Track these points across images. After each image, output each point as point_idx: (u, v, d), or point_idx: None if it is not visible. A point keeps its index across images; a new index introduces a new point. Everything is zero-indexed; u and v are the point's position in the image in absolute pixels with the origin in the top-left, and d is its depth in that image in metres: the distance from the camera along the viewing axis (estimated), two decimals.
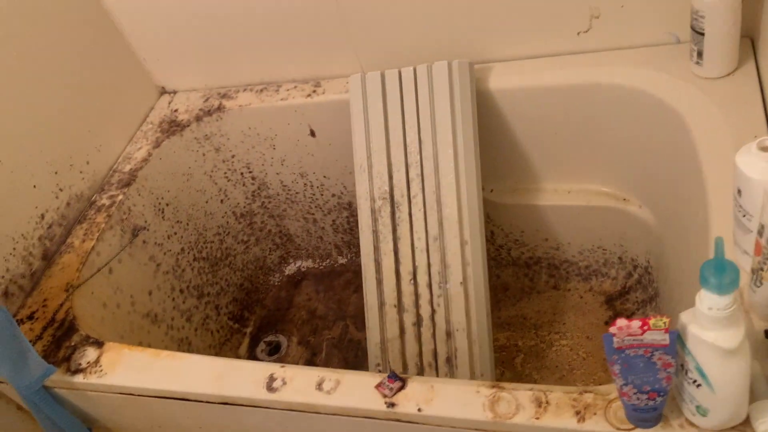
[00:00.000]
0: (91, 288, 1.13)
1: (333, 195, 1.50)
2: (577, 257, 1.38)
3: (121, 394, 0.95)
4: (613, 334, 0.65)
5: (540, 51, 1.18)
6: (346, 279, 1.63)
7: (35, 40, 1.16)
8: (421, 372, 1.19)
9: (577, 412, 0.76)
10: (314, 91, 1.32)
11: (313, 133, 1.36)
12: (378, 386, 0.84)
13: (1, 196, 1.08)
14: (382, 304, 1.22)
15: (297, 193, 1.52)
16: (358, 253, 1.62)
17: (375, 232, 1.22)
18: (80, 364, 0.97)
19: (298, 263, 1.69)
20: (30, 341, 1.01)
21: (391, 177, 1.21)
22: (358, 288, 1.59)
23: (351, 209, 1.52)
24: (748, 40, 1.06)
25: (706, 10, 0.97)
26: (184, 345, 1.36)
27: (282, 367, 0.89)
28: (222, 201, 1.50)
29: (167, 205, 1.35)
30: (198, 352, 1.39)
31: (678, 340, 0.66)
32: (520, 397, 0.78)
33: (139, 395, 0.94)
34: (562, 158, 1.26)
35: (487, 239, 1.40)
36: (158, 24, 1.34)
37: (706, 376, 0.65)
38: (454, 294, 1.16)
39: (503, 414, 0.77)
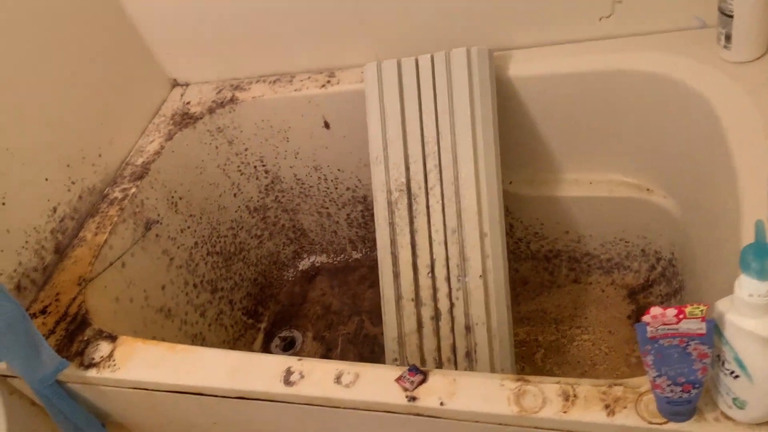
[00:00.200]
0: (104, 282, 1.11)
1: (347, 188, 1.48)
2: (598, 250, 1.35)
3: (134, 389, 0.93)
4: (647, 323, 0.62)
5: (561, 37, 1.15)
6: (361, 274, 1.61)
7: (46, 33, 1.15)
8: (439, 367, 1.16)
9: (607, 406, 0.73)
10: (328, 82, 1.29)
11: (327, 125, 1.34)
12: (398, 380, 0.81)
13: (13, 189, 1.06)
14: (399, 298, 1.20)
15: (311, 186, 1.50)
16: (372, 248, 1.60)
17: (391, 225, 1.20)
18: (93, 359, 0.95)
19: (312, 258, 1.66)
20: (43, 335, 0.99)
21: (407, 168, 1.18)
22: (373, 283, 1.56)
23: (366, 203, 1.50)
24: None
25: None
26: (198, 340, 1.34)
27: (299, 360, 0.87)
28: (235, 195, 1.48)
29: (180, 198, 1.34)
30: (212, 347, 1.36)
31: (715, 329, 0.63)
32: (546, 391, 0.76)
33: (153, 390, 0.92)
34: (583, 148, 1.22)
35: (506, 232, 1.36)
36: (170, 15, 1.32)
37: (745, 367, 0.62)
38: (474, 287, 1.13)
39: (529, 408, 0.75)
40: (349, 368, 0.84)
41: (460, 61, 1.13)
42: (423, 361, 1.18)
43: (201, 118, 1.36)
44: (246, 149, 1.43)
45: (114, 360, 0.94)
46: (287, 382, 0.85)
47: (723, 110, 0.97)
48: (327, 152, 1.40)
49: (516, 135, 1.23)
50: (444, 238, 1.15)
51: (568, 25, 1.13)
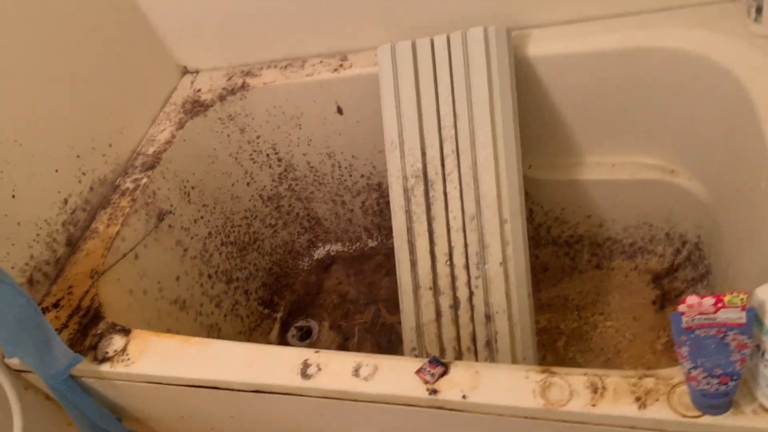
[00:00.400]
0: (116, 274, 1.10)
1: (362, 176, 1.45)
2: (621, 234, 1.31)
3: (149, 383, 0.91)
4: (682, 313, 0.59)
5: (581, 14, 1.11)
6: (377, 262, 1.58)
7: (54, 23, 1.13)
8: (459, 356, 1.14)
9: (638, 398, 0.70)
10: (341, 66, 1.26)
11: (340, 110, 1.31)
12: (419, 372, 0.79)
13: (23, 181, 1.05)
14: (416, 287, 1.17)
15: (325, 174, 1.47)
16: (388, 236, 1.57)
17: (408, 212, 1.17)
18: (107, 353, 0.93)
19: (327, 247, 1.64)
20: (56, 329, 0.98)
21: (424, 154, 1.15)
22: (390, 271, 1.54)
23: (381, 190, 1.47)
24: None
25: None
26: (214, 331, 1.32)
27: (316, 352, 0.84)
28: (248, 184, 1.45)
29: (193, 188, 1.31)
30: (228, 338, 1.35)
31: (755, 318, 0.60)
32: (573, 383, 0.73)
33: (167, 384, 0.90)
34: (605, 129, 1.18)
35: (526, 218, 1.33)
36: (179, 1, 1.29)
37: None
38: (494, 275, 1.10)
39: (556, 401, 0.72)
40: (367, 360, 0.82)
41: (477, 41, 1.09)
42: (442, 351, 1.15)
43: (212, 105, 1.33)
44: (258, 137, 1.40)
45: (128, 354, 0.92)
46: (304, 375, 0.83)
47: (754, 87, 0.93)
48: (340, 139, 1.37)
49: (535, 117, 1.19)
50: (462, 225, 1.12)
51: (589, 2, 1.09)
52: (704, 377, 0.63)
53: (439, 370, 0.78)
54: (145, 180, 1.21)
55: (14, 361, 0.95)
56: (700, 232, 1.20)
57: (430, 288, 1.16)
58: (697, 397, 0.66)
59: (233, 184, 1.42)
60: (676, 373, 0.71)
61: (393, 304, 1.47)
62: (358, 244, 1.62)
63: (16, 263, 1.02)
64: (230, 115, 1.35)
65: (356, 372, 0.81)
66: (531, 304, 1.11)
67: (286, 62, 1.33)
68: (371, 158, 1.39)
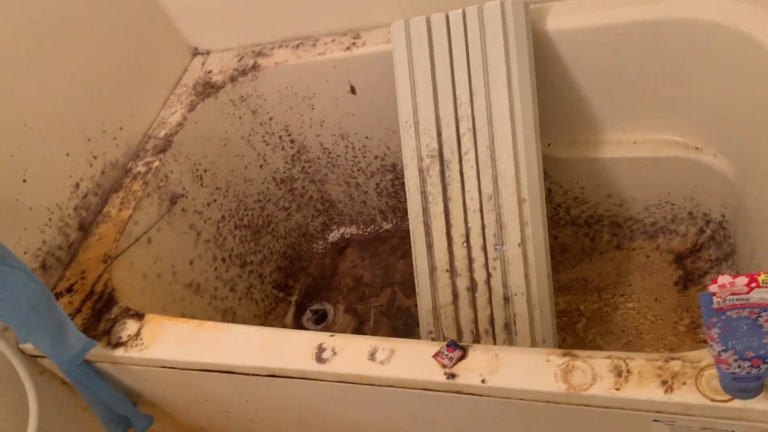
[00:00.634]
0: (130, 259, 1.09)
1: (376, 157, 1.42)
2: (642, 214, 1.28)
3: (163, 367, 0.90)
4: (713, 294, 0.56)
5: None
6: (392, 245, 1.56)
7: (62, 5, 1.11)
8: (477, 339, 1.12)
9: (664, 382, 0.68)
10: (353, 44, 1.23)
11: (353, 90, 1.28)
12: (436, 356, 0.77)
13: (34, 166, 1.04)
14: (433, 269, 1.15)
15: (338, 156, 1.45)
16: (403, 218, 1.55)
17: (423, 193, 1.14)
18: (121, 338, 0.92)
19: (342, 229, 1.62)
20: (69, 314, 0.98)
21: (439, 133, 1.12)
22: (405, 254, 1.52)
23: (395, 171, 1.44)
24: None
25: None
26: (229, 315, 1.31)
27: (331, 336, 0.83)
28: (261, 166, 1.43)
29: (205, 171, 1.30)
30: (243, 322, 1.35)
31: None
32: (596, 366, 0.70)
33: (182, 369, 0.89)
34: (626, 106, 1.15)
35: (545, 197, 1.31)
36: None
37: None
38: (512, 256, 1.07)
39: (578, 385, 0.70)
40: (383, 344, 0.80)
41: (494, 15, 1.05)
42: (459, 334, 1.13)
43: (223, 87, 1.31)
44: (270, 118, 1.38)
45: (141, 338, 0.91)
46: (319, 359, 0.81)
47: None
48: (354, 119, 1.34)
49: (554, 94, 1.15)
50: (479, 205, 1.10)
51: None
52: (735, 360, 0.60)
53: (457, 353, 0.76)
54: (157, 163, 1.20)
55: (28, 347, 0.95)
56: (724, 211, 1.17)
57: (447, 270, 1.13)
58: (727, 381, 0.64)
59: (246, 167, 1.40)
60: (704, 356, 0.68)
61: (409, 286, 1.45)
62: (372, 226, 1.60)
63: (28, 248, 1.02)
64: (242, 97, 1.33)
65: (372, 356, 0.79)
66: (550, 285, 1.09)
67: (297, 41, 1.30)
68: (385, 139, 1.37)
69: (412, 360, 0.78)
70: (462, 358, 0.76)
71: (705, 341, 0.71)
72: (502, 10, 1.05)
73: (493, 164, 1.08)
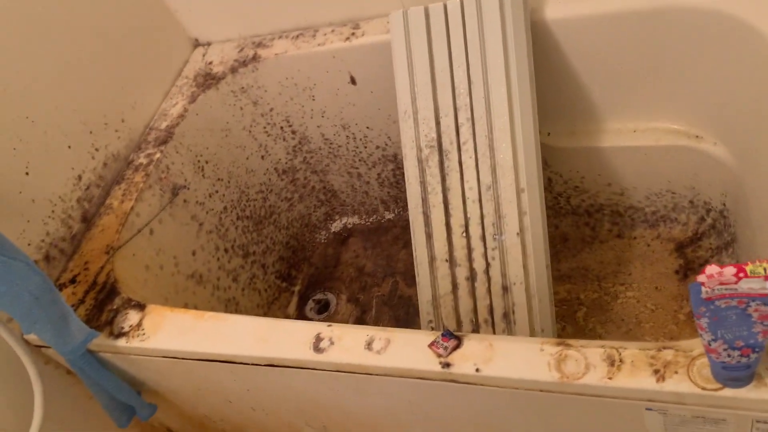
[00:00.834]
0: (132, 250, 1.10)
1: (377, 147, 1.43)
2: (643, 202, 1.28)
3: (164, 357, 0.92)
4: (702, 283, 0.56)
5: None
6: (394, 234, 1.57)
7: None
8: (476, 329, 1.12)
9: (656, 371, 0.68)
10: (353, 34, 1.23)
11: (353, 81, 1.28)
12: (431, 345, 0.78)
13: (36, 158, 1.05)
14: (432, 259, 1.15)
15: (339, 146, 1.45)
16: (405, 208, 1.55)
17: (422, 184, 1.15)
18: (123, 328, 0.94)
19: (344, 220, 1.63)
20: (72, 305, 0.99)
21: (438, 123, 1.12)
22: (407, 244, 1.52)
23: (397, 161, 1.45)
24: None
25: None
26: (232, 305, 1.33)
27: (329, 326, 0.84)
28: (263, 157, 1.44)
29: (207, 162, 1.31)
30: (246, 312, 1.36)
31: None
32: (589, 355, 0.71)
33: (183, 358, 0.91)
34: (626, 94, 1.14)
35: (545, 187, 1.30)
36: None
37: None
38: (511, 246, 1.08)
39: (571, 374, 0.70)
40: (380, 334, 0.81)
41: (492, 4, 1.05)
42: (459, 323, 1.14)
43: (223, 78, 1.31)
44: (271, 109, 1.38)
45: (143, 329, 0.93)
46: (317, 348, 0.82)
47: None
48: (354, 110, 1.35)
49: (554, 83, 1.15)
50: (478, 195, 1.10)
51: None
52: (725, 349, 0.61)
53: (452, 343, 0.77)
54: (158, 155, 1.21)
55: (32, 337, 0.96)
56: (725, 200, 1.16)
57: (446, 260, 1.14)
58: (718, 370, 0.64)
59: (247, 158, 1.41)
60: (696, 345, 0.68)
61: (410, 276, 1.46)
62: (374, 216, 1.61)
63: (32, 240, 1.03)
64: (242, 88, 1.34)
65: (369, 345, 0.80)
66: (549, 274, 1.09)
67: (297, 32, 1.31)
68: (386, 129, 1.37)
69: (407, 349, 0.79)
70: (457, 347, 0.77)
71: None
72: None
73: (491, 154, 1.08)
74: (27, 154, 1.03)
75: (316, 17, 1.28)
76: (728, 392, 0.65)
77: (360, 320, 1.44)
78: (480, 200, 1.10)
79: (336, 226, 1.63)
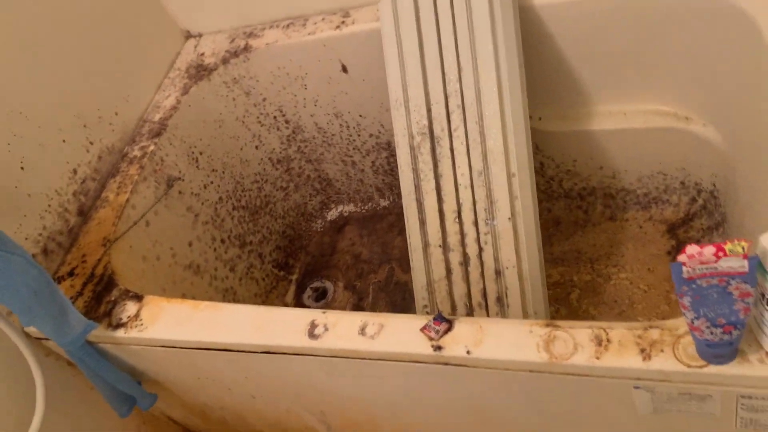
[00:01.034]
0: (129, 242, 1.11)
1: (371, 135, 1.44)
2: (635, 185, 1.29)
3: (163, 347, 0.93)
4: (683, 263, 0.58)
5: None
6: (390, 222, 1.58)
7: None
8: (470, 312, 1.14)
9: (642, 350, 0.70)
10: (343, 22, 1.23)
11: (345, 69, 1.29)
12: (423, 329, 0.79)
13: (31, 153, 1.06)
14: (426, 245, 1.17)
15: (333, 135, 1.46)
16: (400, 195, 1.54)
17: (415, 171, 1.16)
18: (121, 319, 0.95)
19: (340, 208, 1.64)
20: (71, 297, 1.01)
21: (429, 110, 1.13)
22: (402, 230, 1.53)
23: (390, 149, 1.46)
24: None
25: None
26: (229, 295, 1.34)
27: (323, 313, 0.85)
28: (257, 147, 1.45)
29: (201, 153, 1.31)
30: (243, 301, 1.38)
31: (758, 266, 0.58)
32: (577, 336, 0.72)
33: (181, 348, 0.92)
34: (616, 77, 1.15)
35: (537, 171, 1.32)
36: None
37: None
38: (503, 230, 1.09)
39: (560, 354, 0.72)
40: (373, 319, 0.82)
41: None
42: (453, 308, 1.15)
43: (215, 69, 1.32)
44: (264, 99, 1.39)
45: (141, 319, 0.94)
46: (312, 335, 0.83)
47: (767, 27, 0.89)
48: (347, 98, 1.35)
49: (543, 67, 1.16)
50: (470, 181, 1.11)
51: None
52: (707, 327, 0.62)
53: (443, 326, 0.78)
54: (152, 147, 1.22)
55: (33, 330, 0.98)
56: (715, 180, 1.17)
57: (440, 245, 1.15)
58: (702, 347, 0.66)
59: (242, 148, 1.42)
60: (681, 324, 0.70)
61: (406, 262, 1.47)
62: (370, 204, 1.62)
63: (29, 234, 1.04)
64: (234, 78, 1.34)
65: (362, 331, 0.82)
66: (541, 258, 1.10)
67: (287, 21, 1.31)
68: (379, 117, 1.38)
69: (400, 334, 0.80)
70: (448, 330, 0.78)
71: None
72: None
73: (482, 140, 1.09)
74: (22, 149, 1.04)
75: (306, 6, 1.28)
76: (713, 369, 0.66)
77: (357, 307, 1.46)
78: (472, 186, 1.11)
79: (332, 214, 1.64)
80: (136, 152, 1.21)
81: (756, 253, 0.58)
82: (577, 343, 0.72)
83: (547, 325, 0.74)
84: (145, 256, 1.14)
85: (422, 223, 1.16)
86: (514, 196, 1.08)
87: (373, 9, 1.21)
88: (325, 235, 1.62)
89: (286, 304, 1.51)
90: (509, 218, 1.08)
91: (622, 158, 1.24)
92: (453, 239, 1.14)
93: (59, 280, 1.05)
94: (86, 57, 1.18)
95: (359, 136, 1.44)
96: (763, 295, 0.60)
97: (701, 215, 1.24)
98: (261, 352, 0.88)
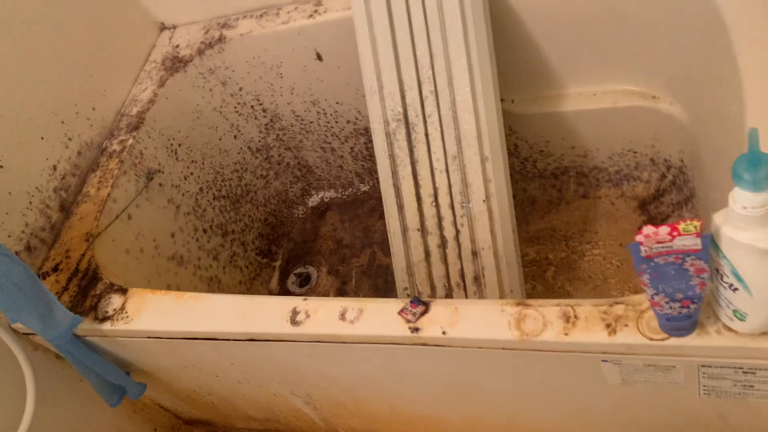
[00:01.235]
0: (111, 235, 1.13)
1: (348, 121, 1.45)
2: (606, 163, 1.32)
3: (149, 338, 0.95)
4: (640, 243, 0.61)
5: None
6: (370, 206, 1.61)
7: None
8: (450, 293, 1.17)
9: (608, 325, 0.73)
10: (315, 11, 1.25)
11: (319, 57, 1.30)
12: (401, 312, 0.82)
13: (9, 151, 1.06)
14: (405, 229, 1.19)
15: (311, 122, 1.47)
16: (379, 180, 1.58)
17: (392, 157, 1.18)
18: (107, 312, 0.97)
19: (321, 194, 1.66)
20: (56, 293, 1.02)
21: (403, 97, 1.15)
22: (383, 214, 1.55)
23: (368, 135, 1.47)
24: None
25: None
26: (214, 284, 1.36)
27: (304, 300, 0.88)
28: (235, 137, 1.46)
29: (180, 145, 1.33)
30: (228, 289, 1.40)
31: (711, 243, 0.62)
32: (547, 314, 0.76)
33: (167, 338, 0.95)
34: (584, 59, 1.17)
35: (512, 152, 1.34)
36: None
37: (743, 279, 0.61)
38: (478, 212, 1.12)
39: (530, 332, 0.75)
40: (352, 304, 0.85)
41: None
42: (433, 289, 1.18)
43: (191, 61, 1.33)
44: (240, 89, 1.40)
45: (126, 312, 0.96)
46: (294, 321, 0.86)
47: (728, 10, 0.91)
48: (323, 85, 1.37)
49: (514, 52, 1.18)
50: (445, 165, 1.14)
51: None
52: (666, 302, 0.65)
53: (420, 309, 0.81)
54: (131, 141, 1.23)
55: (19, 325, 0.99)
56: (683, 156, 1.21)
57: (418, 229, 1.18)
58: (663, 321, 0.69)
59: (220, 138, 1.43)
60: (644, 300, 0.73)
61: (387, 246, 1.48)
62: (350, 189, 1.64)
63: (12, 231, 1.05)
64: (210, 69, 1.35)
65: (342, 316, 0.84)
66: (515, 238, 1.14)
67: (261, 11, 1.32)
68: (355, 103, 1.39)
69: (379, 317, 0.83)
70: (425, 312, 0.81)
71: None
72: None
73: (455, 125, 1.11)
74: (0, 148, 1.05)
75: None
76: (674, 341, 0.70)
77: (341, 291, 1.49)
78: (447, 170, 1.14)
79: (313, 200, 1.66)
80: (115, 146, 1.22)
81: (710, 230, 0.62)
82: (546, 320, 0.75)
83: (518, 304, 0.77)
84: (128, 249, 1.16)
85: (400, 207, 1.19)
86: (488, 179, 1.10)
87: None
88: (307, 221, 1.65)
89: (270, 291, 1.53)
90: (484, 200, 1.11)
91: (593, 137, 1.27)
92: (430, 222, 1.17)
93: (44, 276, 1.07)
94: (61, 53, 1.18)
95: (337, 122, 1.46)
96: (717, 270, 0.64)
97: (671, 191, 1.27)
98: (245, 340, 0.90)
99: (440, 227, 1.16)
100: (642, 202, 1.32)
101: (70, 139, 1.18)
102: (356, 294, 1.46)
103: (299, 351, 0.90)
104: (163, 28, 1.42)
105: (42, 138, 1.13)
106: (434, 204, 1.16)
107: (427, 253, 1.18)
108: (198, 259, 1.33)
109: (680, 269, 0.62)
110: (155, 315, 0.94)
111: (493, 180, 1.10)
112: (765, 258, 0.58)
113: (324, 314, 0.86)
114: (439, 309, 0.81)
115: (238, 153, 1.48)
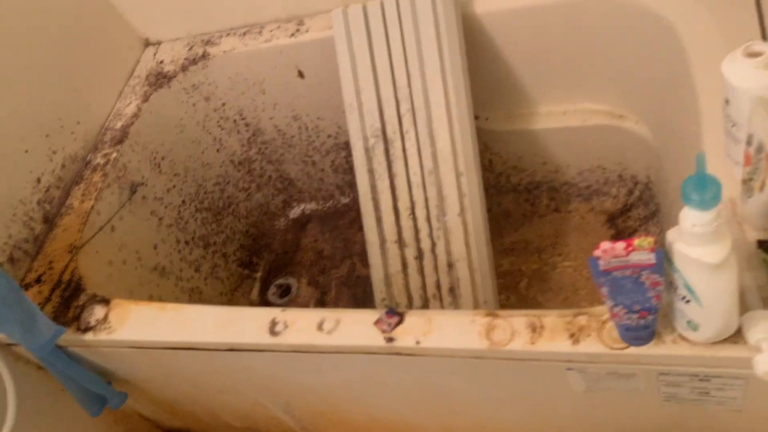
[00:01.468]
0: (95, 247, 1.15)
1: (329, 136, 1.49)
2: (576, 178, 1.37)
3: (131, 348, 0.98)
4: (598, 258, 0.65)
5: None
6: (350, 218, 1.64)
7: (9, 3, 1.14)
8: (426, 304, 1.21)
9: (572, 335, 0.77)
10: (297, 30, 1.28)
11: (301, 74, 1.34)
12: (377, 322, 0.85)
13: None
14: (383, 241, 1.23)
15: (292, 136, 1.51)
16: None
17: (370, 171, 1.22)
18: (89, 323, 0.99)
19: (302, 206, 1.69)
20: (39, 304, 1.04)
21: (381, 114, 1.19)
22: (363, 226, 1.59)
23: (348, 149, 1.50)
24: None
25: None
26: (195, 295, 1.38)
27: (283, 311, 0.91)
28: (218, 150, 1.49)
29: (163, 158, 1.35)
30: (209, 300, 1.42)
31: (665, 258, 0.66)
32: (515, 324, 0.79)
33: (149, 348, 0.97)
34: (555, 79, 1.22)
35: (486, 167, 1.39)
36: None
37: (694, 292, 0.65)
38: (453, 225, 1.16)
39: (499, 341, 0.79)
40: (330, 315, 0.88)
41: (425, 2, 1.12)
42: (410, 299, 1.22)
43: (175, 76, 1.36)
44: (224, 104, 1.43)
45: (109, 322, 0.98)
46: (273, 332, 0.89)
47: (683, 31, 0.97)
48: (304, 101, 1.40)
49: (488, 72, 1.23)
50: (422, 180, 1.18)
51: None
52: (625, 313, 0.69)
53: (395, 319, 0.85)
54: (115, 154, 1.25)
55: (1, 336, 1.01)
56: (649, 173, 1.26)
57: (396, 241, 1.22)
58: (622, 331, 0.73)
59: (203, 152, 1.46)
60: (605, 310, 0.77)
61: (367, 257, 1.53)
62: (331, 201, 1.67)
63: None
64: (194, 85, 1.38)
65: (320, 326, 0.87)
66: (489, 250, 1.18)
67: (244, 29, 1.35)
68: (336, 118, 1.43)
69: (355, 328, 0.86)
70: (399, 323, 0.85)
71: None
72: None
73: (432, 141, 1.15)
74: None
75: (262, 14, 1.32)
76: (633, 350, 0.74)
77: (320, 302, 1.52)
78: (424, 184, 1.18)
79: (294, 212, 1.69)
80: (99, 160, 1.25)
81: (664, 246, 0.66)
82: (514, 330, 0.79)
83: (488, 315, 0.81)
84: (111, 260, 1.18)
85: (378, 220, 1.22)
86: (463, 193, 1.15)
87: (326, 18, 1.26)
88: (288, 232, 1.67)
89: (251, 302, 1.56)
90: (459, 214, 1.15)
91: (563, 154, 1.32)
92: (408, 234, 1.20)
93: (26, 286, 1.08)
94: (46, 67, 1.20)
95: (318, 137, 1.49)
96: (671, 283, 0.68)
97: (638, 205, 1.32)
98: (225, 350, 0.93)
99: (417, 239, 1.20)
100: (610, 217, 1.37)
101: (54, 152, 1.20)
102: (335, 304, 1.49)
103: (278, 361, 0.93)
104: (147, 44, 1.45)
105: (26, 151, 1.15)
106: (411, 217, 1.20)
107: (405, 265, 1.22)
108: (180, 270, 1.35)
109: (637, 282, 0.66)
110: (138, 325, 0.97)
111: (467, 194, 1.14)
112: (713, 272, 0.63)
113: (302, 325, 0.89)
114: (414, 319, 0.84)
115: (221, 166, 1.51)
